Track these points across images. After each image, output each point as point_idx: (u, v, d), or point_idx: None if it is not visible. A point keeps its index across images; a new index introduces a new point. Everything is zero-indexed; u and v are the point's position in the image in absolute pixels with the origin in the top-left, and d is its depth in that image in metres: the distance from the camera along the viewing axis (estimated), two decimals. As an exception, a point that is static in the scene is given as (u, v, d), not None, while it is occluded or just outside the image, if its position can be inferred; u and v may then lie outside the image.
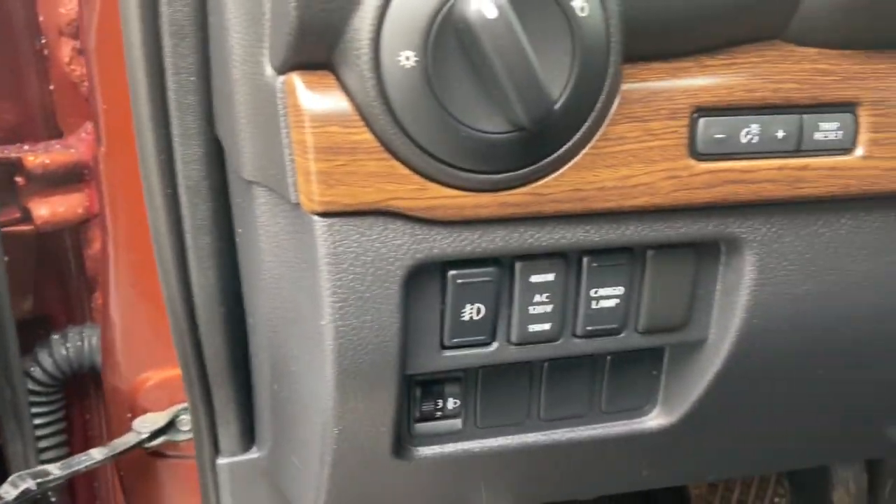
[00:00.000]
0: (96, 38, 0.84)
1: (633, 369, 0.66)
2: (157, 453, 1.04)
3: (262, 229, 0.56)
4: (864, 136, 0.54)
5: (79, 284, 1.06)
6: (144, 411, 1.00)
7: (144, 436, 0.96)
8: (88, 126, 0.92)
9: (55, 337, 1.01)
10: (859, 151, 0.55)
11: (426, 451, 0.64)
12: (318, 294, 0.51)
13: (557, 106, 0.47)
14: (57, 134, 0.96)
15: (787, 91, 0.53)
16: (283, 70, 0.47)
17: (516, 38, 0.43)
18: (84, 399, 1.13)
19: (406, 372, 0.57)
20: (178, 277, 0.66)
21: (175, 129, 0.61)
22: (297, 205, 0.50)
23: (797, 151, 0.53)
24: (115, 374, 1.01)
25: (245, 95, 0.52)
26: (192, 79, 0.59)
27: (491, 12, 0.42)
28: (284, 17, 0.45)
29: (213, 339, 0.69)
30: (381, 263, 0.50)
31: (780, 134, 0.53)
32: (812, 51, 0.53)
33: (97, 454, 0.94)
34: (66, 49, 0.92)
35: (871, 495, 1.47)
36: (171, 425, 0.98)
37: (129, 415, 1.00)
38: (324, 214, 0.49)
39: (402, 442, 0.63)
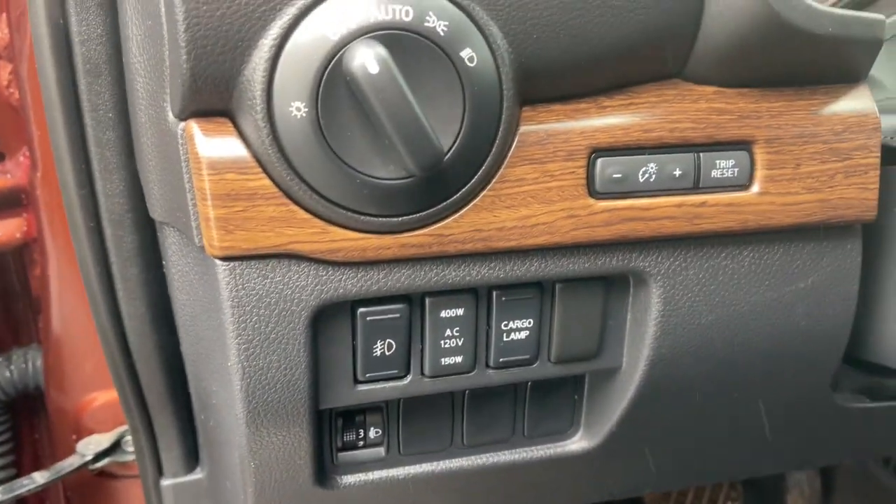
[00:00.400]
0: (28, 64, 0.84)
1: (555, 395, 0.67)
2: (105, 473, 1.04)
3: (174, 268, 0.57)
4: (759, 173, 0.56)
5: (24, 306, 1.05)
6: (90, 432, 1.00)
7: (88, 458, 0.96)
8: (27, 150, 0.92)
9: (-2, 359, 1.01)
10: (755, 188, 0.56)
11: (350, 479, 0.65)
12: (224, 335, 0.52)
13: (451, 153, 0.48)
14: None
15: (684, 130, 0.54)
16: (182, 117, 0.48)
17: (401, 91, 0.44)
18: (33, 419, 1.13)
19: (320, 407, 0.58)
20: (107, 308, 0.67)
21: (95, 164, 0.61)
22: (203, 247, 0.50)
23: (695, 189, 0.55)
24: (60, 395, 1.01)
25: (151, 139, 0.53)
26: (109, 115, 0.59)
27: (373, 67, 0.43)
28: (178, 67, 0.45)
29: (148, 367, 0.70)
30: (285, 305, 0.51)
31: (678, 172, 0.54)
32: (710, 89, 0.55)
33: (40, 478, 0.95)
34: (4, 73, 0.92)
35: (825, 498, 1.50)
36: (116, 446, 0.99)
37: (74, 436, 1.00)
38: (225, 258, 0.49)
39: (326, 471, 0.64)
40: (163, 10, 0.45)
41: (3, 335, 1.07)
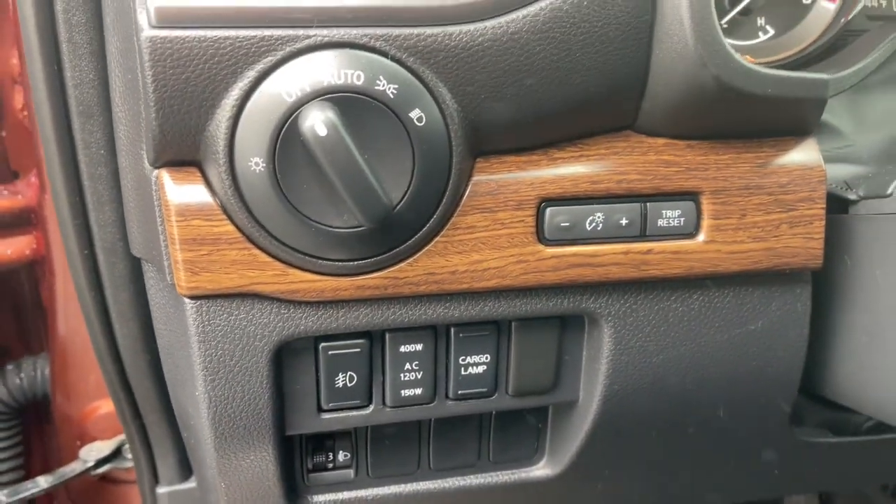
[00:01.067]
0: (37, 93, 0.89)
1: (520, 423, 0.70)
2: (108, 478, 1.09)
3: (153, 300, 0.61)
4: (706, 223, 0.58)
5: (36, 317, 1.11)
6: (93, 439, 1.05)
7: (90, 464, 1.01)
8: (37, 171, 0.97)
9: (9, 367, 1.07)
10: (702, 237, 0.58)
11: (321, 498, 0.68)
12: (192, 366, 0.55)
13: (401, 204, 0.51)
14: (13, 176, 1.01)
15: (631, 182, 0.56)
16: (155, 165, 0.52)
17: (348, 151, 0.47)
18: (43, 425, 1.18)
19: (287, 432, 0.61)
20: (102, 329, 0.71)
21: (88, 197, 0.65)
22: (174, 285, 0.54)
23: (641, 237, 0.57)
24: (65, 403, 1.06)
25: (131, 182, 0.57)
26: (101, 152, 0.63)
27: (322, 130, 0.46)
28: (149, 122, 0.49)
29: (142, 383, 0.74)
30: (248, 340, 0.55)
31: (624, 221, 0.57)
32: (660, 142, 0.57)
33: (43, 482, 1.00)
34: (18, 97, 0.97)
35: (824, 514, 1.51)
36: (117, 453, 1.04)
37: (78, 442, 1.05)
38: (192, 297, 0.53)
39: (297, 490, 0.68)
40: (138, 67, 0.49)
41: (15, 345, 1.12)
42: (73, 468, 1.01)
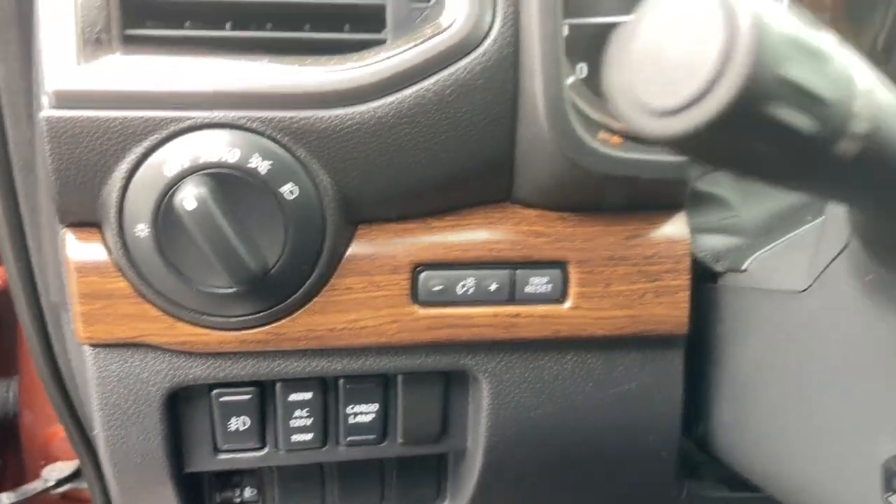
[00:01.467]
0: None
1: (422, 466, 0.74)
2: (70, 497, 1.15)
3: (69, 342, 0.67)
4: (572, 290, 0.62)
5: (11, 340, 1.18)
6: (56, 459, 1.11)
7: (51, 483, 1.07)
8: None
9: (-18, 388, 1.14)
10: (568, 303, 0.62)
11: (229, 532, 0.73)
12: (92, 407, 0.61)
13: (275, 268, 0.56)
14: None
15: (501, 251, 0.61)
16: (63, 224, 0.58)
17: (215, 222, 0.52)
18: (16, 444, 1.25)
19: (187, 470, 0.66)
20: (45, 361, 0.77)
21: (30, 242, 0.72)
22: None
23: (510, 301, 0.62)
24: (32, 423, 1.13)
25: (47, 237, 0.63)
26: (40, 202, 0.70)
27: (190, 204, 0.52)
28: (51, 188, 0.55)
29: (88, 411, 0.80)
30: (141, 386, 0.60)
31: (493, 286, 0.61)
32: (533, 213, 0.62)
33: (6, 499, 1.06)
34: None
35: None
36: (77, 474, 1.10)
37: (43, 462, 1.11)
38: (90, 345, 0.59)
39: (207, 523, 0.73)
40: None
41: (-4, 368, 1.19)
42: (35, 486, 1.07)
